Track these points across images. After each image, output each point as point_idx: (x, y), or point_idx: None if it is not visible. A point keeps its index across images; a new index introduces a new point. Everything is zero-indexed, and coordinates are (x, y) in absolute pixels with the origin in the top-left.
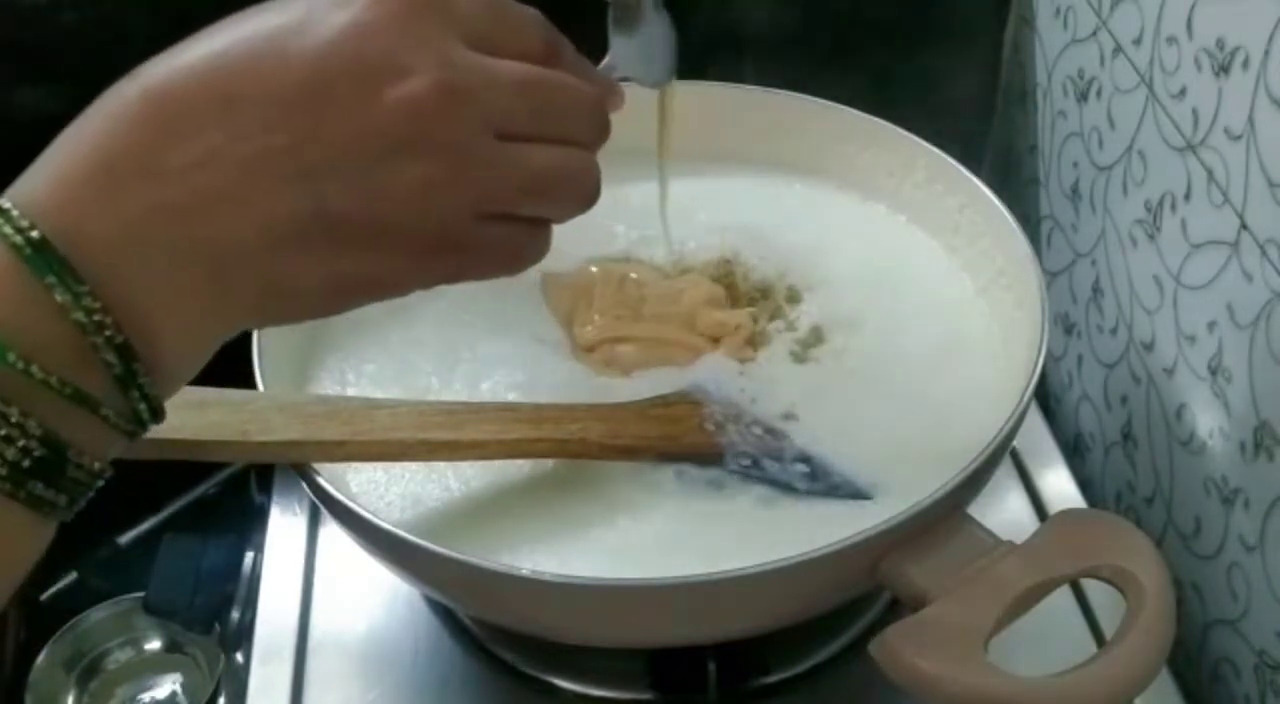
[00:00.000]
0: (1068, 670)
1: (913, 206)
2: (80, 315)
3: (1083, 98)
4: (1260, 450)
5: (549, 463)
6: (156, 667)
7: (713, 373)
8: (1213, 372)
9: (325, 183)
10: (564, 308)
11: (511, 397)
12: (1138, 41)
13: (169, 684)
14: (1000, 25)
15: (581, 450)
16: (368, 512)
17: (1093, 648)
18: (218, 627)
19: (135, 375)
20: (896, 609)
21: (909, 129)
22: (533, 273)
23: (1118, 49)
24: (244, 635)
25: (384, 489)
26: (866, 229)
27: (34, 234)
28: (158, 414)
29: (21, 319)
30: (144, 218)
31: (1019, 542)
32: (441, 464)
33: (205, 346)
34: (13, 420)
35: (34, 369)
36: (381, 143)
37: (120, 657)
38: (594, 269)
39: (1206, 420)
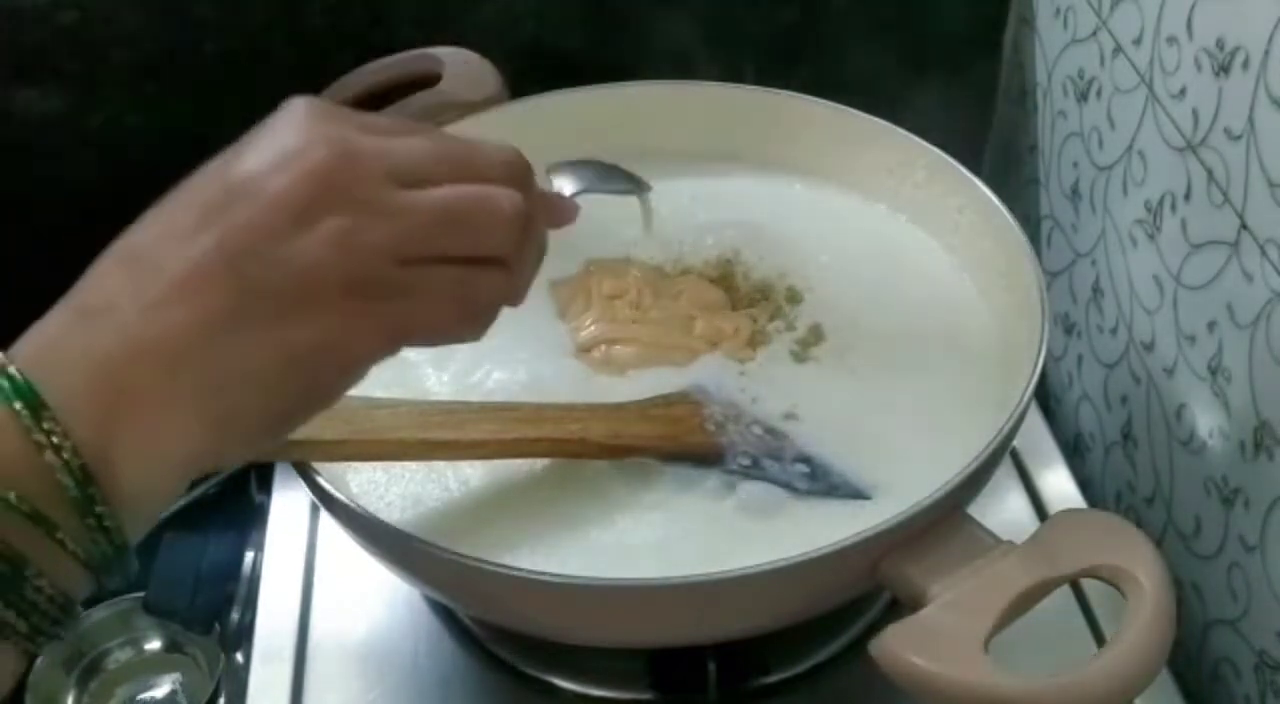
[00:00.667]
0: (1068, 670)
1: (913, 207)
2: (40, 436)
3: (1083, 98)
4: (1260, 450)
5: (549, 462)
6: (156, 667)
7: (713, 373)
8: (1213, 372)
9: (248, 263)
10: (563, 308)
11: (512, 396)
12: (1138, 41)
13: (169, 684)
14: (1000, 25)
15: (581, 450)
16: (368, 511)
17: (1093, 648)
18: (218, 627)
19: (93, 501)
20: (896, 609)
21: (909, 129)
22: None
23: (1118, 49)
24: (244, 635)
25: (384, 489)
26: (867, 229)
27: (10, 368)
28: (120, 551)
29: None
30: (102, 334)
31: (1019, 542)
32: (441, 464)
33: (167, 476)
34: None
35: None
36: (289, 212)
37: (120, 657)
38: (593, 269)
39: (1206, 420)
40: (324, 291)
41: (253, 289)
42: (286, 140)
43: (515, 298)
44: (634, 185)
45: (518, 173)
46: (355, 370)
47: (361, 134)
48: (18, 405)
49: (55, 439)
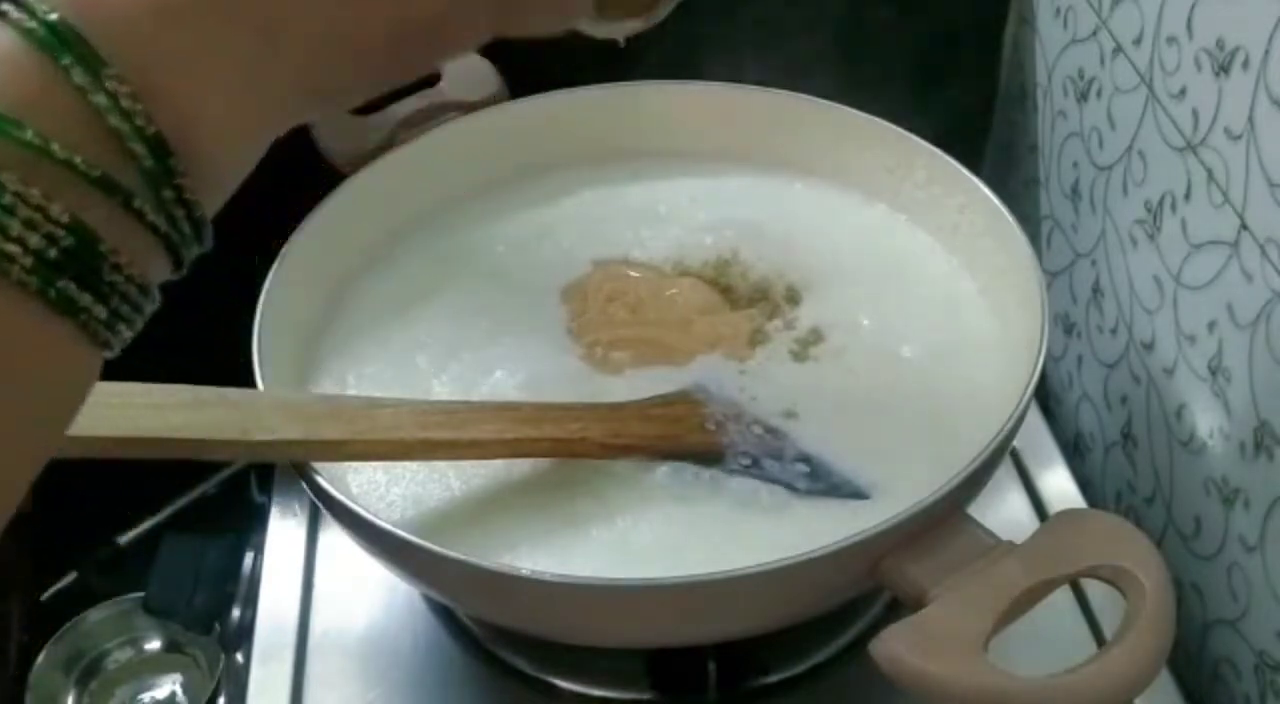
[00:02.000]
0: (1068, 670)
1: (913, 206)
2: (101, 98)
3: (1083, 98)
4: (1260, 450)
5: (549, 462)
6: (156, 667)
7: (713, 372)
8: (1213, 372)
9: None
10: (563, 308)
11: (512, 396)
12: (1138, 41)
13: (169, 684)
14: (1000, 25)
15: (582, 450)
16: (368, 512)
17: (1093, 648)
18: (218, 627)
19: (171, 173)
20: (896, 609)
21: (909, 129)
22: (533, 278)
23: (1118, 49)
24: (244, 635)
25: (384, 490)
26: (866, 228)
27: (51, 16)
28: (200, 228)
29: (42, 102)
30: None
31: (1019, 542)
32: (442, 464)
33: (252, 138)
34: (32, 203)
35: (54, 147)
36: None
37: (120, 657)
38: (592, 270)
39: (1206, 420)
40: None
41: None
42: None
43: None
44: None
45: None
46: (459, 50)
47: None
48: (65, 59)
49: (124, 102)
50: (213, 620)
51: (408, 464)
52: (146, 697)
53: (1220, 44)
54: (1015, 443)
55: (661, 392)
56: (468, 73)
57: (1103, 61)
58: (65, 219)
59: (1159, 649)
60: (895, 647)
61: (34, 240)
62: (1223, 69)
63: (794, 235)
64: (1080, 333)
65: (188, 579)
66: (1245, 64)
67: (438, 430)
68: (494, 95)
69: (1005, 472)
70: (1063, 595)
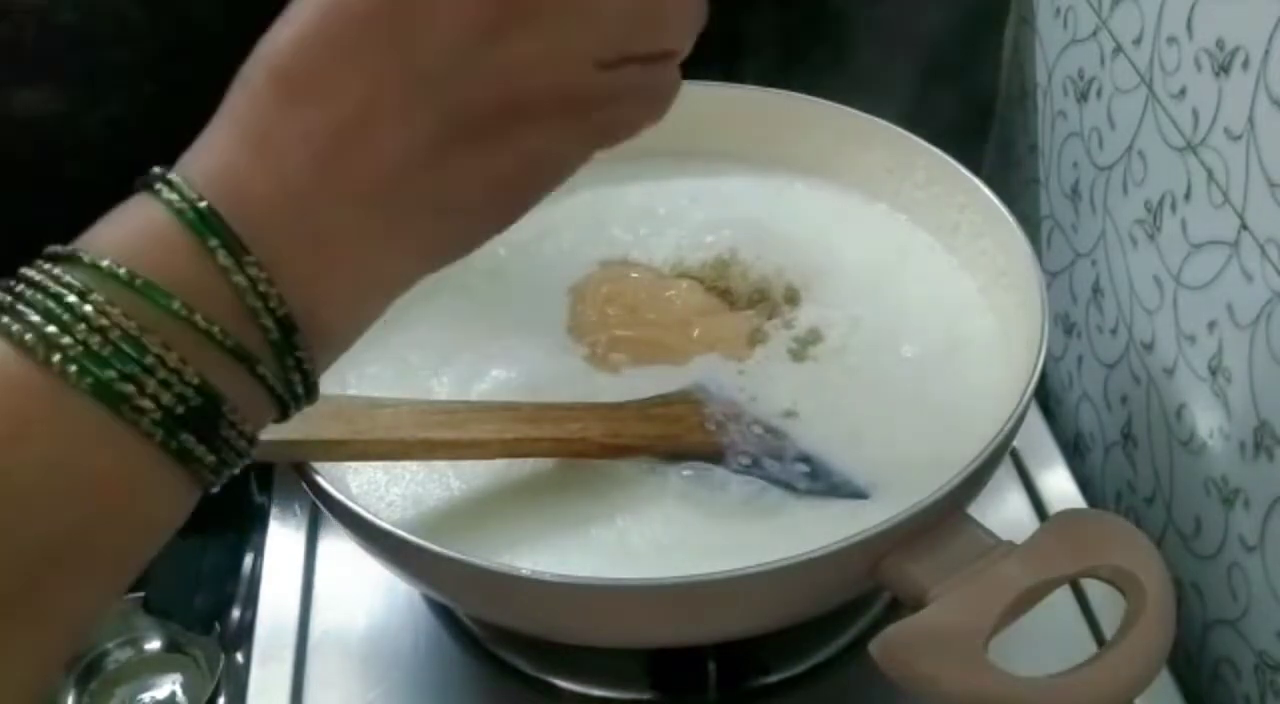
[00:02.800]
0: (1068, 670)
1: (913, 206)
2: (241, 279)
3: (1083, 98)
4: (1260, 450)
5: (549, 462)
6: (156, 667)
7: (712, 372)
8: (1213, 372)
9: (446, 83)
10: (563, 308)
11: (512, 397)
12: (1138, 41)
13: (169, 684)
14: (1000, 25)
15: (582, 450)
16: (368, 512)
17: (1093, 648)
18: (218, 627)
19: (294, 347)
20: (896, 609)
21: (909, 129)
22: (533, 279)
23: (1118, 49)
24: (244, 635)
25: (384, 490)
26: (866, 228)
27: (201, 204)
28: (311, 391)
29: (188, 277)
30: (293, 173)
31: (1019, 542)
32: (442, 464)
33: (372, 307)
34: (170, 365)
35: (198, 318)
36: (480, 25)
37: (120, 657)
38: (592, 270)
39: (1206, 420)
40: (528, 109)
41: (451, 114)
42: None
43: (678, 87)
44: None
45: None
46: (557, 183)
47: None
48: (213, 242)
49: (261, 287)
50: (213, 620)
51: (408, 464)
52: (146, 697)
53: (1220, 44)
54: (1015, 443)
55: (661, 392)
56: None
57: (1103, 61)
58: (196, 381)
59: (1159, 649)
60: (895, 646)
61: (166, 398)
62: (1223, 69)
63: (793, 235)
64: (1080, 333)
65: (188, 579)
66: (1245, 64)
67: (438, 430)
68: None
69: (1005, 472)
70: (1063, 595)
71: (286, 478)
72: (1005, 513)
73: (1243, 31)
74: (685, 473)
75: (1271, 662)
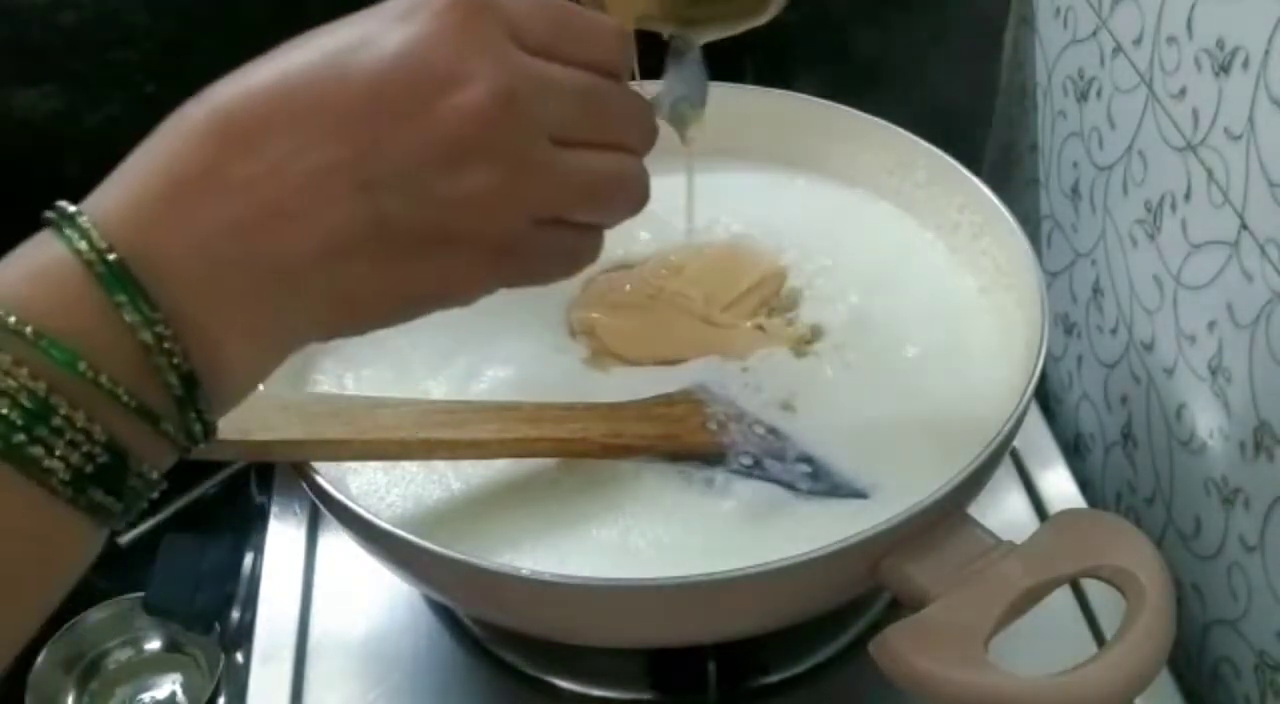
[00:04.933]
0: (1068, 670)
1: (913, 206)
2: (148, 336)
3: (1083, 98)
4: (1260, 450)
5: (550, 462)
6: (156, 667)
7: (713, 372)
8: (1213, 372)
9: (386, 193)
10: (563, 308)
11: (511, 397)
12: (1138, 41)
13: (169, 684)
14: (1000, 25)
15: (583, 450)
16: (368, 512)
17: (1093, 648)
18: (218, 627)
19: (195, 400)
20: (896, 609)
21: (909, 129)
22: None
23: (1118, 49)
24: (244, 635)
25: (384, 490)
26: (867, 227)
27: (111, 256)
28: (210, 433)
29: (92, 331)
30: (212, 234)
31: (1019, 542)
32: (442, 464)
33: (267, 366)
34: (78, 425)
35: (103, 379)
36: (441, 152)
37: (120, 657)
38: (591, 271)
39: (1206, 420)
40: (455, 244)
41: (386, 225)
42: (445, 58)
43: (597, 255)
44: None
45: (647, 138)
46: (457, 305)
47: (521, 63)
48: (120, 297)
49: (167, 345)
50: (213, 620)
51: (408, 464)
52: (146, 697)
53: (1220, 44)
54: (1015, 443)
55: (662, 391)
56: None
57: (1103, 61)
58: (104, 439)
59: (1159, 649)
60: (895, 646)
61: (75, 458)
62: (1223, 69)
63: (794, 234)
64: (1080, 333)
65: (188, 579)
66: (1245, 64)
67: (438, 430)
68: None
69: (1005, 472)
70: (1063, 595)
71: (286, 478)
72: (1005, 513)
73: (1243, 31)
74: (686, 473)
75: (1271, 662)
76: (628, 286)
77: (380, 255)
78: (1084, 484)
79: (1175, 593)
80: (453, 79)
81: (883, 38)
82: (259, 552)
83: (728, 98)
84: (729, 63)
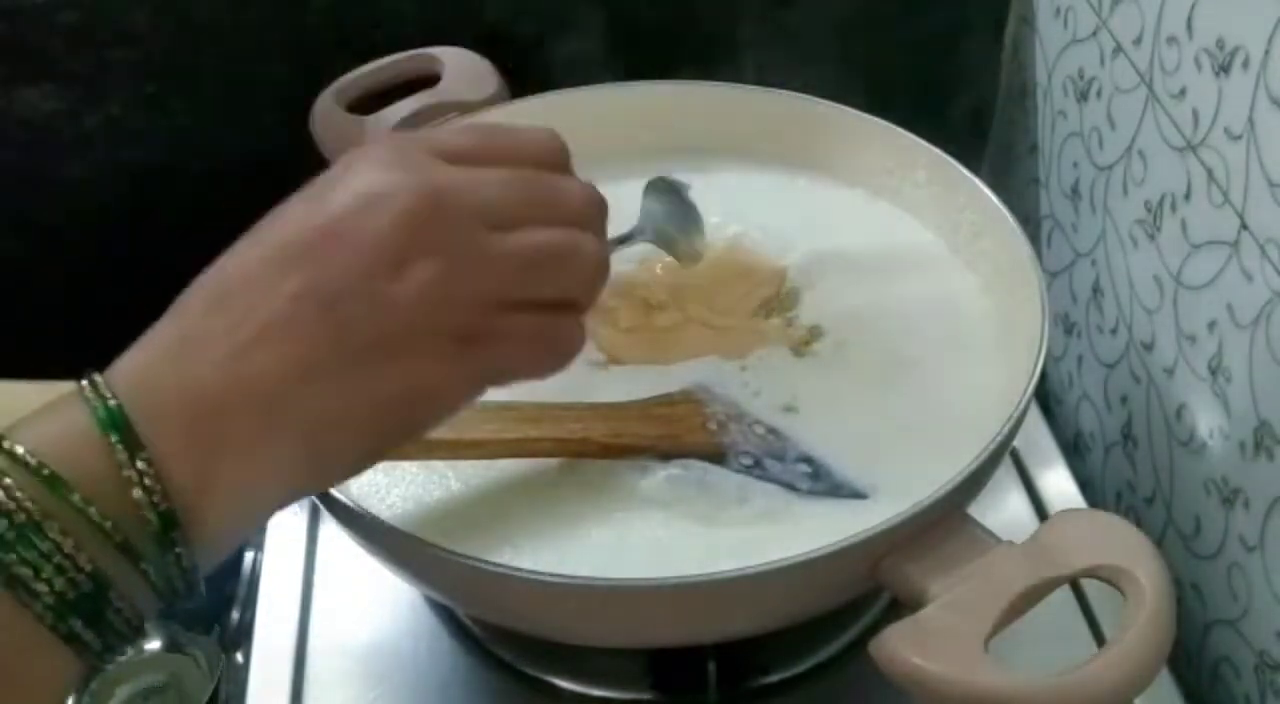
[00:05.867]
0: (1068, 670)
1: (913, 206)
2: (130, 472)
3: (1083, 98)
4: (1260, 450)
5: (549, 462)
6: (156, 667)
7: (714, 371)
8: (1213, 372)
9: (345, 307)
10: None
11: (512, 396)
12: (1138, 41)
13: (169, 684)
14: (1000, 25)
15: (583, 449)
16: (368, 512)
17: (1093, 648)
18: (218, 627)
19: (174, 542)
20: (896, 609)
21: (909, 129)
22: None
23: (1118, 49)
24: (244, 635)
25: (384, 491)
26: (867, 227)
27: (111, 402)
28: (191, 587)
29: (89, 466)
30: (197, 371)
31: (1019, 542)
32: (442, 464)
33: (248, 518)
34: (66, 551)
35: (92, 511)
36: (384, 257)
37: (120, 656)
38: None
39: (1206, 420)
40: (418, 340)
41: (347, 336)
42: (372, 181)
43: (585, 340)
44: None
45: (596, 213)
46: (446, 412)
47: (445, 170)
48: (113, 437)
49: (148, 481)
50: (213, 620)
51: (407, 464)
52: (146, 696)
53: (1220, 44)
54: (1015, 443)
55: (662, 391)
56: (468, 73)
57: (1103, 61)
58: (89, 568)
59: (1159, 649)
60: (895, 646)
61: (59, 583)
62: (1223, 69)
63: (795, 234)
64: (1080, 333)
65: None
66: (1245, 64)
67: (438, 429)
68: (494, 95)
69: (1005, 472)
70: (1063, 595)
71: None
72: (1005, 513)
73: (1243, 31)
74: (686, 473)
75: (1271, 662)
76: (627, 284)
77: (349, 369)
78: (1084, 484)
79: (1175, 593)
80: (386, 196)
81: (883, 38)
82: (259, 552)
83: (728, 98)
84: (729, 63)
